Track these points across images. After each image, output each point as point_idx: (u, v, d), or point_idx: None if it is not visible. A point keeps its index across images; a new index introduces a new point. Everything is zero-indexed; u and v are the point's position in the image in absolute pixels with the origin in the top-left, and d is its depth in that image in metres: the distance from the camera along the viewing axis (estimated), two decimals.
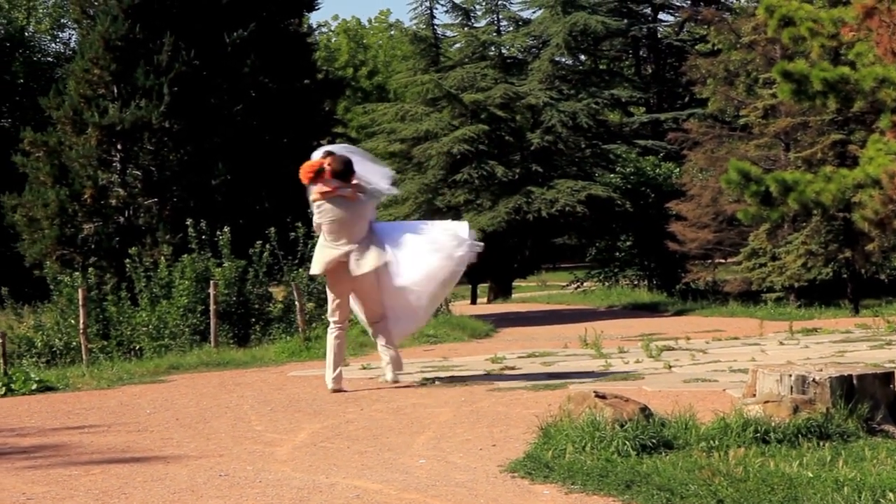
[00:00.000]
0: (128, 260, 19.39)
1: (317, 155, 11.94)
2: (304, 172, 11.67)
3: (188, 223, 19.80)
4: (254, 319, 18.89)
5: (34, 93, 37.70)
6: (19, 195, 24.28)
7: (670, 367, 12.27)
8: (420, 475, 7.02)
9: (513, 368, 12.85)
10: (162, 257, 19.92)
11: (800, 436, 7.18)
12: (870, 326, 18.25)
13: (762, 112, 29.20)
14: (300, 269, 18.95)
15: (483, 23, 46.12)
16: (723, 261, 33.39)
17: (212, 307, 16.59)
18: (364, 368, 13.27)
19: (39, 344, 18.37)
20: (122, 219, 23.81)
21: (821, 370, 7.96)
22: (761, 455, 6.77)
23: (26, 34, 50.34)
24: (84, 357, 15.87)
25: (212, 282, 17.31)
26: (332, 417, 9.48)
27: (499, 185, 40.24)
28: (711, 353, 14.08)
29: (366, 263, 11.50)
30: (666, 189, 37.29)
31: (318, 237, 12.00)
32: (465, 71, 42.89)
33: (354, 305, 11.88)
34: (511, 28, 46.10)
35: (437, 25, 45.78)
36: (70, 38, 51.31)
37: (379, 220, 11.92)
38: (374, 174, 12.08)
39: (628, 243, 40.82)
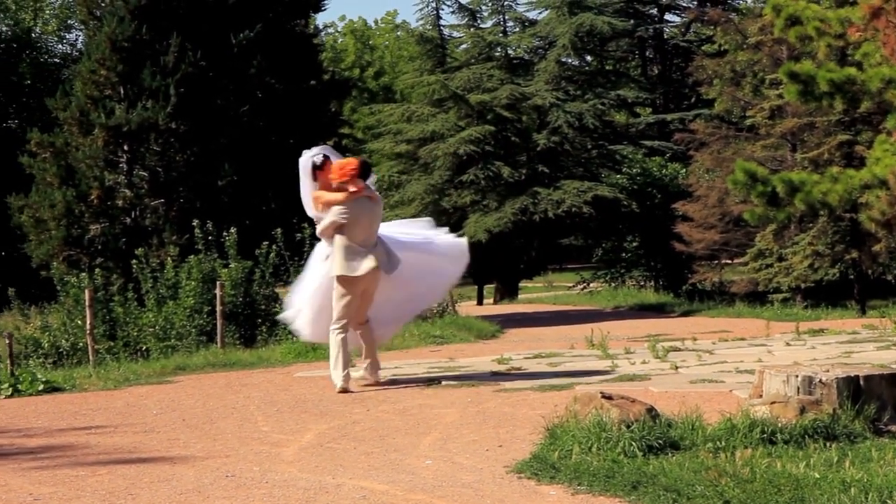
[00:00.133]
0: (134, 261, 19.39)
1: (306, 159, 11.95)
2: (345, 171, 11.68)
3: (195, 224, 19.80)
4: (260, 320, 18.88)
5: (41, 94, 37.77)
6: (26, 196, 24.31)
7: (677, 367, 12.26)
8: (426, 476, 7.02)
9: (519, 369, 12.84)
10: (168, 258, 19.92)
11: (806, 437, 7.18)
12: (876, 327, 18.23)
13: (769, 113, 29.19)
14: None
15: (489, 23, 46.14)
16: (729, 261, 33.37)
17: (218, 308, 16.59)
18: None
19: (46, 345, 18.37)
20: (128, 220, 23.83)
21: (827, 371, 7.95)
22: (768, 456, 6.76)
23: (33, 35, 50.37)
24: (91, 358, 15.87)
25: (218, 283, 17.31)
26: (339, 418, 9.48)
27: (505, 186, 40.24)
28: (718, 353, 14.06)
29: (392, 264, 11.58)
30: (672, 190, 37.27)
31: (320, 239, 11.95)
32: (472, 72, 42.90)
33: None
34: (517, 29, 46.11)
35: (444, 26, 45.81)
36: (77, 40, 51.40)
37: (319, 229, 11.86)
38: None
39: (635, 244, 40.81)
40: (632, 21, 45.80)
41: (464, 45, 46.72)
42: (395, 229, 12.49)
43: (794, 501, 5.87)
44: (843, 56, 23.69)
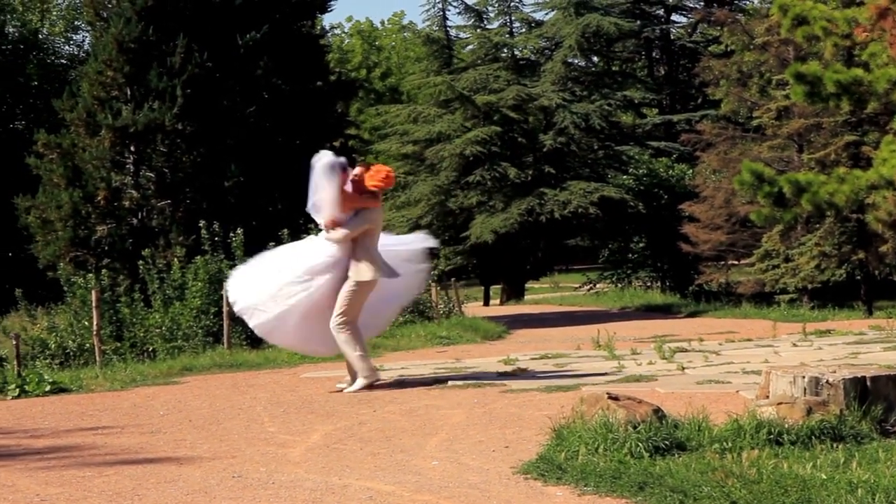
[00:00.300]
0: (141, 261, 19.41)
1: (332, 161, 11.86)
2: (389, 178, 11.79)
3: (201, 225, 19.82)
4: None
5: (48, 95, 37.79)
6: (33, 197, 24.33)
7: (683, 368, 12.26)
8: (433, 477, 7.02)
9: (525, 370, 12.84)
10: (175, 259, 19.93)
11: (813, 437, 7.17)
12: (883, 328, 18.21)
13: (775, 113, 29.18)
14: None
15: (496, 24, 46.17)
16: (736, 262, 33.36)
17: (224, 309, 16.59)
18: (377, 370, 13.27)
19: (53, 345, 18.39)
20: (135, 220, 23.84)
21: (834, 372, 7.95)
22: (775, 457, 6.75)
23: (40, 36, 50.42)
24: (97, 358, 15.89)
25: (225, 283, 17.31)
26: (345, 419, 9.49)
27: (511, 187, 40.26)
28: (724, 354, 14.06)
29: (393, 270, 11.73)
30: (679, 190, 37.28)
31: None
32: (478, 72, 42.93)
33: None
34: (524, 29, 46.13)
35: (450, 27, 45.89)
36: (84, 41, 51.41)
37: (337, 232, 11.77)
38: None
39: (641, 245, 40.80)
40: (638, 22, 45.81)
41: (470, 46, 46.75)
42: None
43: (800, 502, 5.86)
44: (849, 56, 23.66)
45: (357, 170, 11.85)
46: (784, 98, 27.90)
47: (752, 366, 12.07)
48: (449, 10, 45.65)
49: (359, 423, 9.22)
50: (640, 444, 6.99)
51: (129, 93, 24.05)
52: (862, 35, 12.77)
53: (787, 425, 7.27)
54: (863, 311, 26.71)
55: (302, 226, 19.57)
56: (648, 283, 41.16)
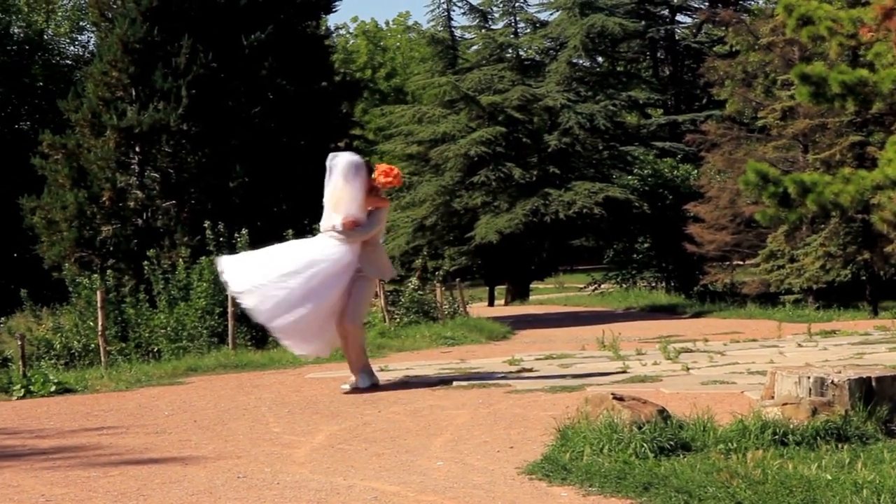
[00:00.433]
0: (146, 262, 19.42)
1: (356, 160, 11.88)
2: (399, 178, 11.91)
3: (206, 225, 19.83)
4: None
5: (53, 95, 37.81)
6: (38, 197, 24.35)
7: (688, 369, 12.25)
8: (438, 477, 7.02)
9: (530, 370, 12.85)
10: (180, 259, 19.93)
11: (818, 438, 7.16)
12: (888, 328, 18.21)
13: (780, 114, 29.16)
14: None
15: (500, 25, 46.18)
16: (741, 263, 33.36)
17: (230, 309, 16.60)
18: (381, 370, 13.28)
19: (58, 346, 18.39)
20: (140, 221, 23.86)
21: (839, 372, 7.94)
22: (780, 457, 6.75)
23: (45, 37, 50.46)
24: (102, 359, 15.89)
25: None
26: (350, 419, 9.49)
27: (516, 187, 40.27)
28: (729, 355, 14.06)
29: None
30: (684, 191, 37.26)
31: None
32: (483, 73, 42.94)
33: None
34: (528, 30, 46.13)
35: (455, 27, 45.87)
36: (89, 41, 51.45)
37: (356, 229, 11.75)
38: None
39: (646, 245, 40.79)
40: (643, 22, 45.81)
41: (475, 47, 46.77)
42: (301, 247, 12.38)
43: (805, 503, 5.86)
44: (854, 57, 23.67)
45: (378, 171, 11.91)
46: (789, 98, 27.90)
47: (757, 366, 12.06)
48: (454, 11, 45.66)
49: (363, 424, 9.22)
50: (644, 444, 6.99)
51: (134, 93, 24.07)
52: (867, 35, 12.76)
53: (792, 426, 7.26)
54: (868, 312, 26.70)
55: (307, 226, 19.59)
56: (653, 284, 41.15)
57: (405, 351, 16.80)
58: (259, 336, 18.19)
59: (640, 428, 7.22)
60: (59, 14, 52.32)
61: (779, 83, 29.75)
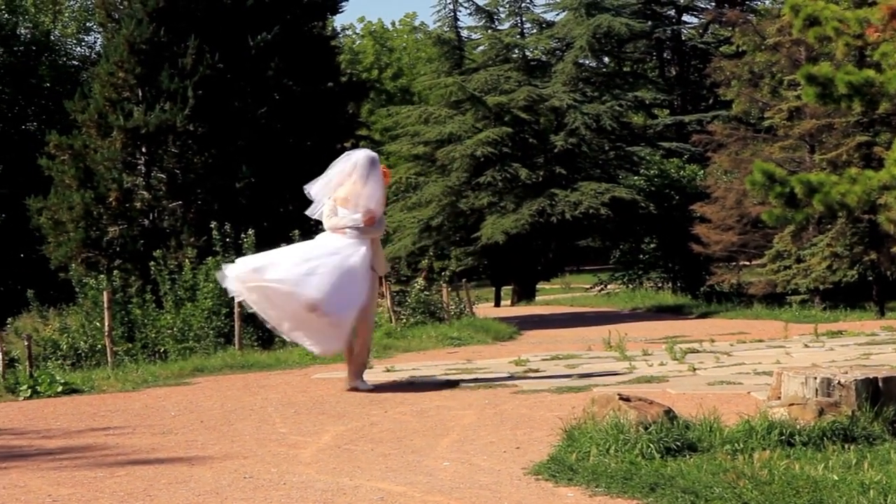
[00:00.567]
0: (152, 262, 19.44)
1: (367, 155, 11.93)
2: (388, 174, 12.17)
3: (212, 226, 19.84)
4: None
5: (60, 96, 37.87)
6: (45, 198, 24.40)
7: (694, 369, 12.24)
8: (444, 478, 7.02)
9: (536, 371, 12.84)
10: (186, 260, 19.96)
11: (825, 438, 7.15)
12: (895, 329, 18.17)
13: (787, 114, 29.13)
14: None
15: (506, 25, 46.15)
16: (747, 263, 33.31)
17: (236, 310, 16.60)
18: (388, 371, 13.29)
19: (65, 346, 18.42)
20: (146, 221, 23.89)
21: (846, 373, 7.93)
22: (786, 458, 6.74)
23: (52, 38, 50.53)
24: (109, 359, 15.91)
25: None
26: (357, 419, 9.49)
27: (522, 188, 40.25)
28: (736, 355, 14.04)
29: None
30: (690, 191, 37.23)
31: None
32: (489, 73, 42.93)
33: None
34: (534, 30, 46.11)
35: (461, 28, 45.89)
36: (95, 42, 51.52)
37: (373, 227, 11.78)
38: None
39: (652, 246, 40.75)
40: (649, 22, 45.77)
41: (481, 47, 46.75)
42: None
43: (812, 503, 5.86)
44: (861, 57, 23.62)
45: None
46: (795, 99, 27.86)
47: (764, 367, 12.05)
48: (460, 11, 45.66)
49: (370, 424, 9.23)
50: (651, 444, 6.98)
51: (140, 94, 24.10)
52: (874, 35, 12.75)
53: (798, 426, 7.25)
54: (875, 312, 26.64)
55: (313, 226, 19.58)
56: (659, 284, 41.10)
57: (411, 351, 16.80)
58: (265, 337, 18.21)
59: (646, 428, 7.22)
60: (66, 15, 52.40)
61: (785, 83, 29.72)
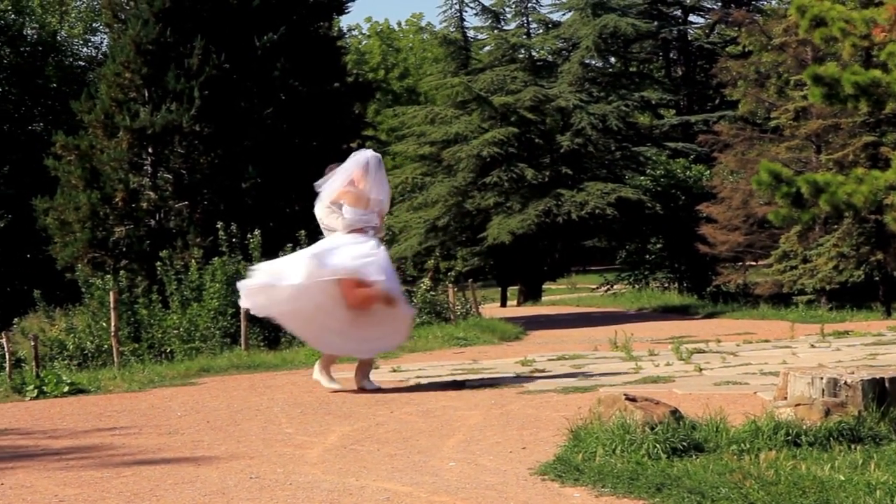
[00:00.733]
0: (159, 263, 19.44)
1: (376, 155, 11.97)
2: None
3: (219, 226, 19.84)
4: None
5: (66, 97, 37.92)
6: (51, 198, 24.42)
7: (701, 369, 12.23)
8: (450, 478, 7.01)
9: (542, 371, 12.84)
10: (193, 260, 19.96)
11: (831, 439, 7.14)
12: None
13: (793, 114, 29.11)
14: None
15: (513, 25, 46.17)
16: (753, 263, 33.30)
17: (242, 310, 16.61)
18: (394, 371, 13.29)
19: (71, 346, 18.42)
20: (152, 222, 23.91)
21: (852, 373, 7.92)
22: (792, 458, 6.73)
23: (59, 38, 50.62)
24: (115, 360, 15.92)
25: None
26: (362, 420, 9.49)
27: (528, 188, 40.25)
28: (742, 355, 14.03)
29: None
30: (696, 191, 37.22)
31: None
32: (495, 73, 42.94)
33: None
34: (541, 30, 46.11)
35: (467, 28, 45.86)
36: (102, 43, 51.59)
37: (387, 226, 11.91)
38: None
39: (658, 246, 40.74)
40: (655, 22, 45.78)
41: (487, 47, 46.77)
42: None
43: None
44: (868, 57, 23.60)
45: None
46: (802, 99, 27.85)
47: (770, 367, 12.04)
48: (466, 12, 45.65)
49: (376, 425, 9.22)
50: (657, 445, 6.98)
51: (146, 94, 24.12)
52: (880, 36, 12.74)
53: (804, 426, 7.25)
54: (881, 312, 26.63)
55: (318, 227, 19.57)
56: (666, 285, 41.09)
57: (417, 351, 16.80)
58: (272, 337, 18.22)
59: (652, 429, 7.21)
60: (73, 15, 52.47)
61: (791, 83, 29.69)
